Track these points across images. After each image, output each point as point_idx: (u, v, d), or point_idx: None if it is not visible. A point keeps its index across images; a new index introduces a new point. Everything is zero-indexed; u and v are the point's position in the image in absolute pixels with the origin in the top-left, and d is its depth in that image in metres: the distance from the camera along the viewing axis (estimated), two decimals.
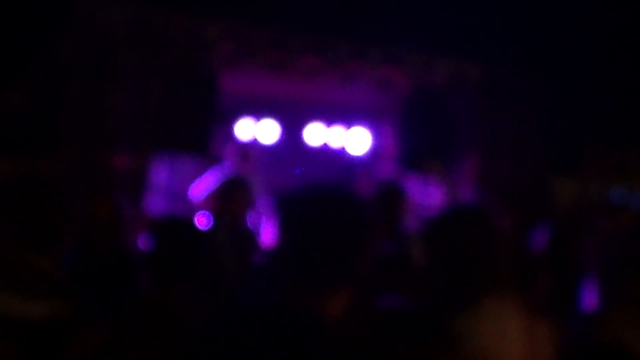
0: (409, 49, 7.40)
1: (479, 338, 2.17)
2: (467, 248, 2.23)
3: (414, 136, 7.60)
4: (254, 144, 7.64)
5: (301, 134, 8.35)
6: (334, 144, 8.43)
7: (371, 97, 8.08)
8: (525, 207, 7.37)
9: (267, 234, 1.94)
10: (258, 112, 8.11)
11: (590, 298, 2.64)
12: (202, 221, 5.72)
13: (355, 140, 8.46)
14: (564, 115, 7.90)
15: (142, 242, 3.46)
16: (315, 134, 8.36)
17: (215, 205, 5.25)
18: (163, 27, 6.76)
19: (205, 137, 6.90)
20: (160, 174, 7.49)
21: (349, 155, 8.53)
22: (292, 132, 8.37)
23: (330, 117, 8.40)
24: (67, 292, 2.32)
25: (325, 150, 8.49)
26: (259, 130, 8.16)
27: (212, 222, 5.02)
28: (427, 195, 7.78)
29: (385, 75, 7.35)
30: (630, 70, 7.95)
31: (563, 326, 2.56)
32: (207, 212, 6.16)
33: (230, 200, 5.15)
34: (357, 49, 7.26)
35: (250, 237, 5.13)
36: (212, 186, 6.42)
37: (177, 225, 2.90)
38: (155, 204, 7.36)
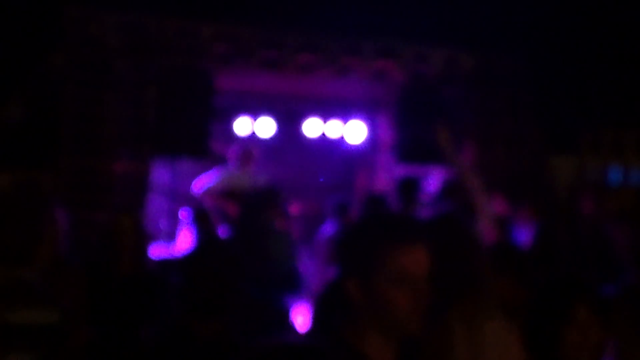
0: (403, 41, 7.39)
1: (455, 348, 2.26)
2: (443, 256, 2.20)
3: (410, 127, 7.44)
4: (254, 143, 7.64)
5: (299, 129, 8.33)
6: (332, 135, 8.36)
7: (367, 90, 8.08)
8: (524, 190, 7.36)
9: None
10: (255, 110, 8.09)
11: None
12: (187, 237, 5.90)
13: (353, 132, 8.43)
14: (560, 98, 7.88)
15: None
16: (313, 128, 8.30)
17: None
18: (156, 32, 6.77)
19: (204, 138, 6.88)
20: (161, 176, 7.50)
21: (347, 145, 8.52)
22: (289, 127, 8.34)
23: (327, 112, 8.37)
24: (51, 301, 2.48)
25: (323, 142, 8.47)
26: (257, 128, 8.11)
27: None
28: (426, 185, 7.78)
29: (379, 68, 7.34)
30: (625, 51, 7.89)
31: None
32: (208, 206, 6.60)
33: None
34: (351, 43, 7.26)
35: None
36: (213, 181, 6.89)
37: (207, 263, 2.78)
38: (157, 205, 7.35)
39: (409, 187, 5.46)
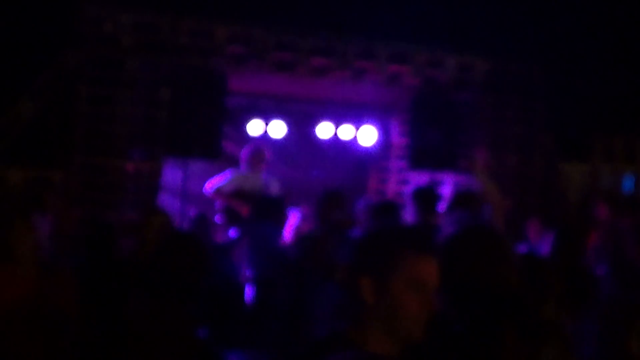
0: (416, 46, 7.33)
1: None
2: (477, 270, 2.21)
3: (423, 132, 7.42)
4: (266, 145, 7.38)
5: (311, 132, 8.26)
6: (344, 139, 8.23)
7: (380, 94, 7.96)
8: (537, 196, 7.32)
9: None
10: (268, 112, 8.03)
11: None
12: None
13: (365, 136, 8.30)
14: (573, 104, 7.82)
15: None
16: (325, 131, 8.21)
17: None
18: (170, 32, 6.81)
19: (216, 139, 6.85)
20: (172, 176, 7.44)
21: (359, 149, 8.37)
22: (301, 130, 8.28)
23: (340, 115, 8.30)
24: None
25: (335, 145, 8.38)
26: (269, 130, 8.04)
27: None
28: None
29: (393, 72, 7.31)
30: (638, 58, 7.88)
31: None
32: (218, 206, 6.68)
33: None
34: (365, 47, 7.21)
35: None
36: (225, 182, 6.82)
37: (183, 242, 2.85)
38: (168, 205, 7.19)
39: (428, 197, 5.21)
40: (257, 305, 4.79)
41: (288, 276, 4.44)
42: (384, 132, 8.53)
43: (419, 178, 7.70)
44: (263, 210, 5.14)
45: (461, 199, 4.78)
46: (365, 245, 1.99)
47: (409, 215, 4.85)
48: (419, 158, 7.48)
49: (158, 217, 4.13)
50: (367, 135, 8.37)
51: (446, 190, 7.26)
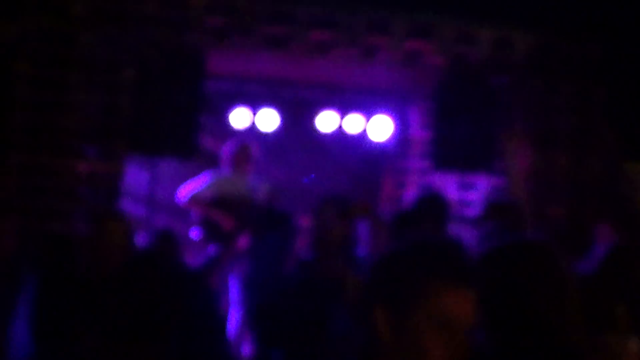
0: (442, 18, 6.99)
1: None
2: (529, 301, 2.15)
3: (450, 124, 7.09)
4: (254, 140, 7.49)
5: (310, 124, 8.11)
6: (351, 132, 8.21)
7: (395, 77, 7.69)
8: (593, 203, 7.13)
9: None
10: (256, 99, 7.88)
11: None
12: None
13: (377, 129, 8.18)
14: (637, 92, 7.39)
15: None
16: (328, 123, 8.10)
17: None
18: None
19: (192, 133, 6.62)
20: (137, 179, 7.28)
21: (370, 145, 8.30)
22: (298, 121, 8.16)
23: (346, 103, 8.11)
24: None
25: (340, 140, 8.26)
26: (257, 121, 7.90)
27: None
28: (467, 196, 7.49)
29: (412, 49, 6.99)
30: None
31: None
32: (194, 216, 6.73)
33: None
34: (378, 19, 6.90)
35: None
36: (202, 187, 6.80)
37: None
38: (132, 214, 6.96)
39: (437, 204, 5.22)
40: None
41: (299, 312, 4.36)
42: (401, 123, 8.29)
43: (446, 181, 7.51)
44: (267, 224, 5.11)
45: (497, 207, 4.78)
46: (381, 268, 1.91)
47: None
48: (445, 156, 7.18)
49: (115, 224, 3.97)
50: (380, 128, 8.18)
51: (477, 196, 7.20)
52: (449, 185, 7.48)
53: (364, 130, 8.24)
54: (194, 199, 6.80)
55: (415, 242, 1.91)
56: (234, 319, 6.22)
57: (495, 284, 2.15)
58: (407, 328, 1.82)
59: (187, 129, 6.65)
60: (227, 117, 7.92)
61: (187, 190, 6.88)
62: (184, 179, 7.14)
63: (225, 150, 7.17)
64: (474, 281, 1.84)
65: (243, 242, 5.99)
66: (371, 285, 1.92)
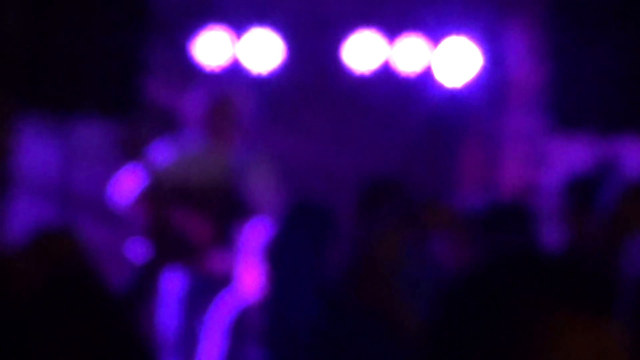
0: None
1: None
2: None
3: (581, 52, 6.88)
4: (239, 88, 7.22)
5: (334, 56, 7.73)
6: (406, 70, 7.77)
7: None
8: None
9: None
10: (239, 16, 7.64)
11: None
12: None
13: (451, 63, 7.64)
14: None
15: None
16: (365, 53, 7.63)
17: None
18: None
19: (130, 78, 6.72)
20: (40, 156, 7.38)
21: (439, 90, 7.90)
22: (314, 52, 7.85)
23: (394, 21, 7.66)
24: None
25: (385, 83, 7.89)
26: (241, 53, 7.53)
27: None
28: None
29: None
30: None
31: None
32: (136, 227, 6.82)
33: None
34: None
35: None
36: (155, 170, 6.95)
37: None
38: (29, 213, 7.35)
39: (586, 193, 5.46)
40: None
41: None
42: (494, 54, 7.83)
43: (574, 152, 7.35)
44: (293, 224, 5.49)
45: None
46: (459, 298, 1.69)
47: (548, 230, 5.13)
48: (572, 110, 6.98)
49: (57, 242, 4.30)
50: (457, 61, 7.66)
51: (618, 177, 6.71)
52: (576, 159, 7.43)
53: (428, 68, 7.71)
54: (143, 197, 6.70)
55: (514, 252, 1.78)
56: None
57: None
58: None
59: (122, 70, 6.72)
60: (192, 47, 7.56)
61: (129, 180, 6.60)
62: (119, 158, 6.75)
63: (192, 106, 6.84)
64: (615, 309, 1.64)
65: (221, 260, 6.25)
66: (441, 325, 1.76)
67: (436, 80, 8.02)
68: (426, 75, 7.99)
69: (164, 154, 6.84)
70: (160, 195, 6.81)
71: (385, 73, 7.98)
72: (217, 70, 7.74)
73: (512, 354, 1.65)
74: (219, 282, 5.99)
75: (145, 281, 5.83)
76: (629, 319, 2.32)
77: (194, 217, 6.67)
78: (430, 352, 1.75)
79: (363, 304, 4.63)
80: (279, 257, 5.46)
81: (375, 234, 4.89)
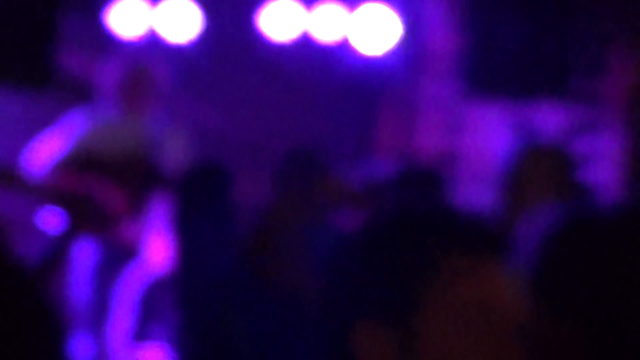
0: None
1: None
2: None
3: (496, 21, 7.27)
4: (155, 57, 7.44)
5: (250, 24, 7.88)
6: (323, 38, 7.89)
7: None
8: None
9: None
10: None
11: None
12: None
13: (369, 31, 7.77)
14: None
15: None
16: (283, 21, 7.78)
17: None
18: None
19: (42, 46, 7.07)
20: None
21: (357, 59, 7.98)
22: (231, 21, 8.02)
23: None
24: None
25: (303, 52, 8.10)
26: (158, 22, 7.66)
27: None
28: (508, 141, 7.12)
29: None
30: None
31: None
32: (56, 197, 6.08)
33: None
34: None
35: None
36: (70, 142, 7.07)
37: None
38: None
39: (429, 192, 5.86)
40: None
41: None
42: (411, 19, 7.92)
43: (489, 117, 7.60)
44: (197, 193, 5.62)
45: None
46: (360, 262, 1.86)
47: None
48: (487, 76, 7.33)
49: None
50: (375, 30, 7.74)
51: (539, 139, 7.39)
52: (491, 125, 7.71)
53: (346, 36, 7.80)
54: (59, 168, 6.76)
55: (409, 211, 1.98)
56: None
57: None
58: (419, 343, 1.81)
59: (36, 41, 7.02)
60: (107, 17, 7.60)
61: (43, 151, 6.75)
62: (31, 128, 6.92)
63: (106, 75, 6.96)
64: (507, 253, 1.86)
65: (135, 231, 6.28)
66: (338, 297, 1.91)
67: (354, 48, 8.26)
68: (344, 44, 8.24)
69: (79, 124, 6.96)
70: (75, 164, 6.91)
71: (303, 41, 8.24)
72: (133, 39, 7.89)
73: (405, 303, 1.82)
74: (132, 253, 6.14)
75: (57, 252, 5.38)
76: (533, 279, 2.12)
77: (109, 187, 6.72)
78: (327, 301, 1.90)
79: (260, 276, 4.71)
80: (182, 223, 5.60)
81: (272, 206, 5.05)
